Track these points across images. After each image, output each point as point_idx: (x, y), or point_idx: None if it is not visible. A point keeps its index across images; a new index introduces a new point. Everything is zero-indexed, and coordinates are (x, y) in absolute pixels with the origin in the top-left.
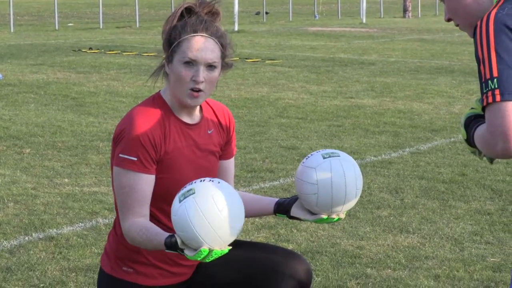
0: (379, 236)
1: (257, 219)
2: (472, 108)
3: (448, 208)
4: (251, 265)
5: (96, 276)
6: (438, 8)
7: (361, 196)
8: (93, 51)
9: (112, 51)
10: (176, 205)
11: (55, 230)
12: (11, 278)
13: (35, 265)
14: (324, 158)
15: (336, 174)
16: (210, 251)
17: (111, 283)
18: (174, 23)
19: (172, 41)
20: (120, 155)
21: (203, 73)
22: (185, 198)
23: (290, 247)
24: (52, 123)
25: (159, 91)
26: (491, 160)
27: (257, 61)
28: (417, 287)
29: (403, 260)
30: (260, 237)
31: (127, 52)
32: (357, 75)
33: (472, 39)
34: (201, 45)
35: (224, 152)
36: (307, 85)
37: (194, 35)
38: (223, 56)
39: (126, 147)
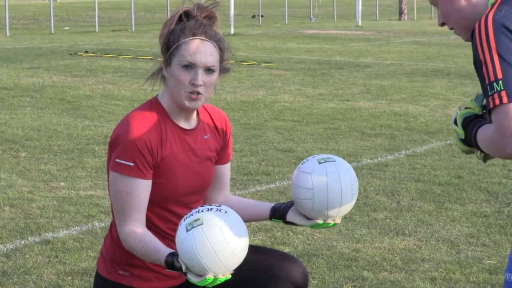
0: (376, 238)
1: (253, 222)
2: (467, 108)
3: (444, 211)
4: (248, 268)
5: (92, 280)
6: (433, 11)
7: (357, 199)
8: (89, 54)
9: (108, 54)
10: (182, 233)
11: (51, 233)
12: (7, 282)
13: (31, 269)
14: (319, 163)
15: (332, 179)
16: (215, 278)
17: (107, 287)
18: (173, 27)
19: (170, 44)
20: (117, 160)
21: (201, 77)
22: (192, 228)
23: (286, 250)
24: (48, 127)
25: (157, 95)
26: (484, 160)
27: (253, 64)
28: None
29: (400, 263)
30: (256, 240)
31: (123, 55)
32: (353, 77)
33: (467, 42)
34: (200, 49)
35: (220, 157)
36: (303, 88)
37: (193, 39)
38: (222, 59)
39: (123, 152)
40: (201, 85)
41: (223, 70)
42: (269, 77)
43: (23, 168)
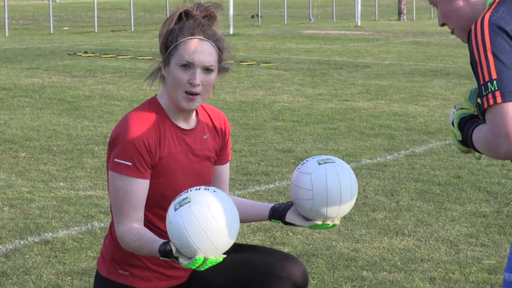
0: (375, 238)
1: (252, 222)
2: (462, 108)
3: (443, 211)
4: (248, 267)
5: (91, 280)
6: (433, 11)
7: (356, 199)
8: (88, 55)
9: (107, 54)
10: (171, 213)
11: (50, 234)
12: (7, 282)
13: (31, 269)
14: (319, 164)
15: (331, 181)
16: (205, 259)
17: (107, 286)
18: (172, 26)
19: (169, 44)
20: (115, 159)
21: (200, 76)
22: (180, 206)
23: (285, 250)
24: (47, 127)
25: (156, 95)
26: (479, 157)
27: (252, 64)
28: None
29: (399, 263)
30: (255, 240)
31: (122, 55)
32: (352, 78)
33: (464, 44)
34: (198, 48)
35: (219, 157)
36: (302, 88)
37: (191, 38)
38: (220, 59)
39: (121, 152)
40: (199, 85)
41: (222, 70)
42: (268, 77)
43: (23, 168)
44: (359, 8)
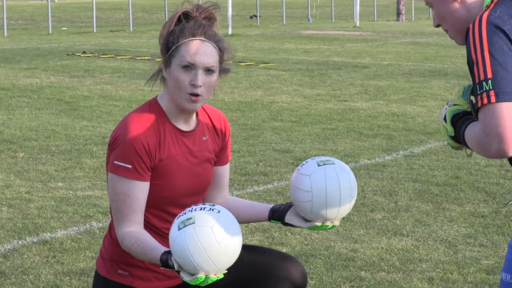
0: (373, 239)
1: (251, 223)
2: (455, 105)
3: (442, 211)
4: (246, 267)
5: (90, 280)
6: (431, 12)
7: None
8: (86, 55)
9: (106, 55)
10: (174, 232)
11: (49, 234)
12: (5, 282)
13: (29, 269)
14: (319, 165)
15: (331, 182)
16: (206, 278)
17: (107, 286)
18: (172, 28)
19: (170, 45)
20: (115, 162)
21: (201, 77)
22: (184, 226)
23: (284, 250)
24: (46, 127)
25: (156, 96)
26: (470, 154)
27: (251, 65)
28: None
29: (397, 263)
30: (254, 240)
31: (121, 56)
32: (351, 78)
33: (460, 46)
34: (199, 49)
35: (219, 158)
36: (301, 88)
37: (192, 39)
38: (221, 60)
39: (121, 154)
40: (201, 86)
41: (223, 70)
42: (267, 78)
43: (21, 169)
44: (357, 8)
